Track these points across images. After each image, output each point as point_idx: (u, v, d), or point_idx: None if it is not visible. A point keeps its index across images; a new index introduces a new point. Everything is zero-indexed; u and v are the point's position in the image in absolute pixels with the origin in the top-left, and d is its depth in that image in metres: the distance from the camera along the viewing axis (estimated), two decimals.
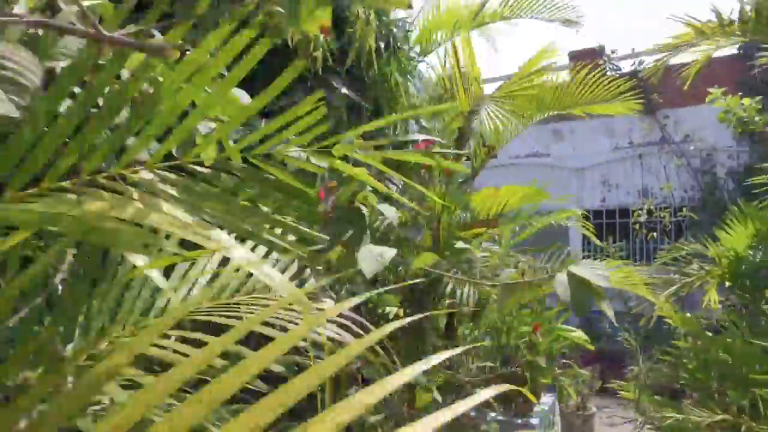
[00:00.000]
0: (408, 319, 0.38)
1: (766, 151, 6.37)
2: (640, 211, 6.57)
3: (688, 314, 2.66)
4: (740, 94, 7.42)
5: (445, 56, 2.87)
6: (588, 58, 8.65)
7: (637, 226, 5.84)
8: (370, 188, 1.43)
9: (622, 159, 7.61)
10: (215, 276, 0.99)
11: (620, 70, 7.73)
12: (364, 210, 1.44)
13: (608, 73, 7.88)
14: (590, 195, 7.85)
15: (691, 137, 7.04)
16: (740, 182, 6.45)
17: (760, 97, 6.88)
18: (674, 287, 2.67)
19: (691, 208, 6.97)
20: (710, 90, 7.32)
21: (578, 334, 3.20)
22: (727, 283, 2.63)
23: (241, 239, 0.67)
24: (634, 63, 7.59)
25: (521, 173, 8.51)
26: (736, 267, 2.47)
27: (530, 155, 8.48)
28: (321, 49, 1.93)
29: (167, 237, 0.78)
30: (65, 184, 0.57)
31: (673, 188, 6.76)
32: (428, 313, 1.98)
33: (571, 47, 10.18)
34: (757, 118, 4.03)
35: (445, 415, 0.26)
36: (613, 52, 7.93)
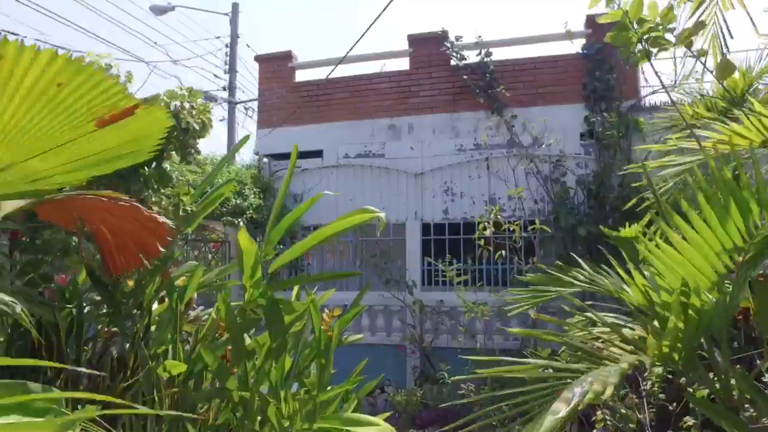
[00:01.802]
0: None
1: (612, 159, 6.48)
2: (486, 223, 6.13)
3: None
4: (585, 94, 7.71)
5: None
6: (430, 44, 8.26)
7: (482, 242, 5.29)
8: None
9: (467, 162, 7.18)
10: None
11: (465, 60, 7.37)
12: None
13: (452, 63, 7.49)
14: (431, 205, 7.25)
15: (541, 140, 6.90)
16: (591, 193, 6.43)
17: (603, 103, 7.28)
18: None
19: (542, 221, 6.81)
20: (560, 89, 7.39)
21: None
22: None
23: None
24: (480, 53, 7.28)
25: (351, 177, 7.56)
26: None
27: (363, 155, 7.58)
28: None
29: None
30: None
31: (523, 198, 6.48)
32: None
33: (412, 29, 9.64)
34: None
35: None
36: (458, 38, 7.54)
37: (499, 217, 5.52)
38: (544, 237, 6.45)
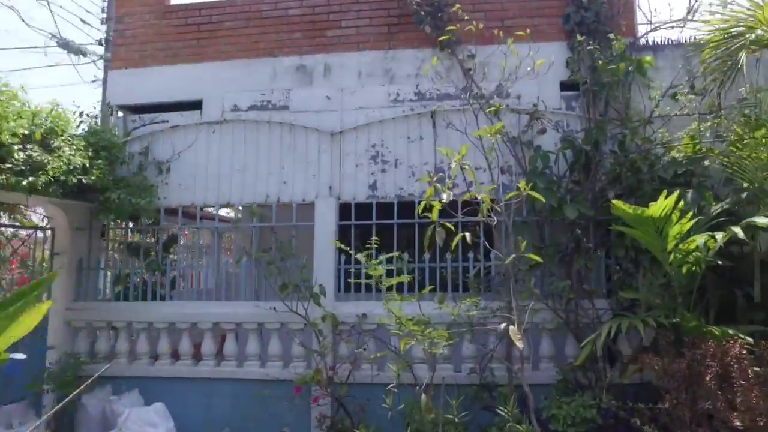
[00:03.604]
0: None
1: (604, 115, 4.84)
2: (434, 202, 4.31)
3: None
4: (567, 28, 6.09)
5: None
6: None
7: (429, 232, 3.46)
8: None
9: (405, 118, 5.37)
10: None
11: None
12: None
13: None
14: (353, 176, 5.37)
15: (507, 90, 5.19)
16: (579, 161, 4.75)
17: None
18: None
19: (510, 200, 5.10)
20: (534, 21, 5.72)
21: None
22: None
23: None
24: None
25: (241, 137, 5.55)
26: None
27: (259, 106, 5.60)
28: None
29: None
30: None
31: (489, 166, 4.73)
32: None
33: None
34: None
35: None
36: None
37: (451, 194, 3.69)
38: (514, 223, 4.72)
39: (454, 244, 3.45)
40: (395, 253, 4.02)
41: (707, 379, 2.91)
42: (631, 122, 4.62)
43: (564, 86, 5.37)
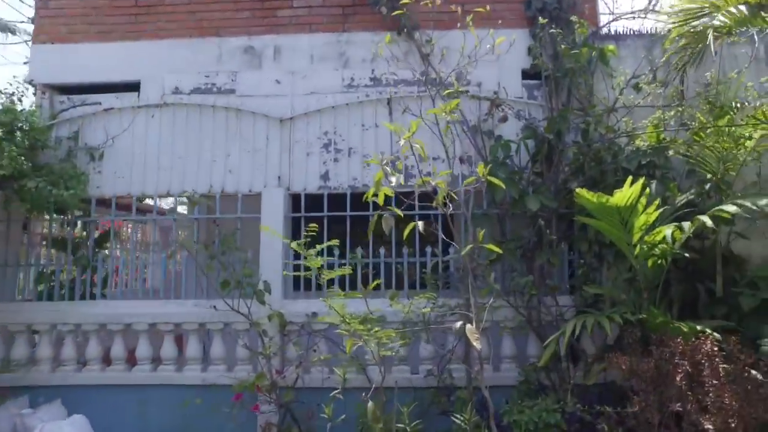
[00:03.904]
0: None
1: (568, 103, 4.64)
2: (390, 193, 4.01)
3: None
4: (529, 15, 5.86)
5: None
6: None
7: (386, 227, 3.13)
8: None
9: (359, 104, 5.04)
10: None
11: None
12: None
13: None
14: (303, 166, 5.01)
15: (466, 77, 4.94)
16: (541, 151, 4.52)
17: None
18: None
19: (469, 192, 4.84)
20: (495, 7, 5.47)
21: None
22: None
23: None
24: None
25: (183, 122, 5.11)
26: None
27: (203, 90, 5.17)
28: None
29: None
30: None
31: (448, 156, 4.45)
32: None
33: None
34: None
35: None
36: None
37: (401, 177, 3.38)
38: (473, 215, 4.47)
39: (406, 234, 3.15)
40: (333, 242, 3.67)
41: (677, 378, 2.71)
42: (594, 111, 4.43)
43: (526, 75, 5.14)
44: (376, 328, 3.19)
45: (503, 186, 3.36)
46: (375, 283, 3.33)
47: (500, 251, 3.21)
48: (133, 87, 5.27)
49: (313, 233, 3.72)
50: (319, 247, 3.48)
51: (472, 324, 3.05)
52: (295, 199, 5.04)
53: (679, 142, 3.84)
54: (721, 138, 3.55)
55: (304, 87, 5.16)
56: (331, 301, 3.31)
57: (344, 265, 4.20)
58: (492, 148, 4.62)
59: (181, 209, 8.33)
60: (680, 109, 3.95)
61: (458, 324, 3.05)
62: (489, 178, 3.19)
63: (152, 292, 5.50)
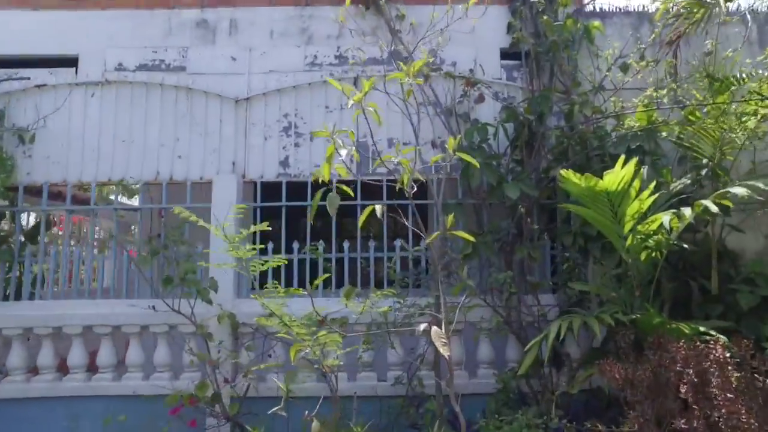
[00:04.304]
0: None
1: (550, 83, 4.21)
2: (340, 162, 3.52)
3: None
4: None
5: None
6: None
7: (331, 209, 2.66)
8: None
9: (323, 84, 4.55)
10: None
11: None
12: None
13: None
14: (261, 151, 4.50)
15: (439, 56, 4.50)
16: (521, 135, 4.08)
17: None
18: None
19: (445, 182, 4.39)
20: None
21: None
22: None
23: None
24: None
25: (127, 101, 4.55)
26: None
27: (149, 66, 4.62)
28: None
29: None
30: None
31: (417, 139, 4.00)
32: None
33: None
34: None
35: None
36: None
37: (351, 149, 2.92)
38: (446, 205, 4.02)
39: (362, 220, 2.68)
40: (263, 225, 3.14)
41: (682, 390, 2.29)
42: (579, 89, 4.01)
43: (505, 56, 4.73)
44: (322, 332, 2.71)
45: (476, 164, 2.90)
46: (322, 278, 2.84)
47: (472, 239, 2.75)
48: (71, 62, 4.67)
49: (268, 228, 3.23)
50: (245, 233, 2.97)
51: (441, 325, 2.59)
52: (249, 187, 4.53)
53: (673, 122, 3.44)
54: (721, 117, 3.17)
55: (263, 65, 4.63)
56: (266, 299, 2.82)
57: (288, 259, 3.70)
58: (467, 131, 4.16)
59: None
60: (674, 85, 3.55)
61: (422, 326, 2.58)
62: (460, 154, 2.74)
63: (88, 293, 4.90)
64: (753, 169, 4.03)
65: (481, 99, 4.23)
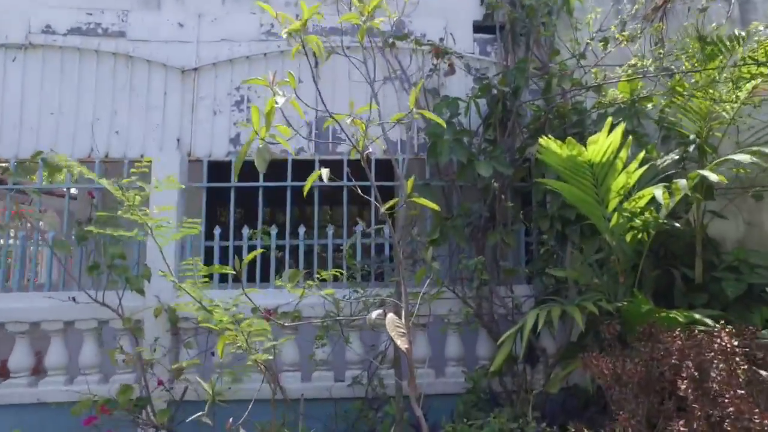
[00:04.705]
0: None
1: (528, 54, 3.86)
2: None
3: None
4: None
5: None
6: None
7: (260, 163, 2.25)
8: None
9: (280, 54, 4.12)
10: None
11: None
12: None
13: None
14: (209, 127, 4.04)
15: (408, 28, 4.12)
16: (495, 112, 3.71)
17: None
18: None
19: (411, 162, 4.00)
20: None
21: None
22: None
23: None
24: None
25: (56, 69, 4.03)
26: None
27: (83, 30, 4.10)
28: None
29: None
30: None
31: (380, 114, 3.59)
32: None
33: None
34: None
35: None
36: None
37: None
38: (416, 186, 3.63)
39: (306, 188, 2.27)
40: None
41: (681, 385, 1.94)
42: (558, 59, 3.67)
43: (478, 29, 4.37)
44: (247, 320, 2.28)
45: (442, 123, 2.52)
46: (250, 257, 2.37)
47: (437, 207, 2.36)
48: None
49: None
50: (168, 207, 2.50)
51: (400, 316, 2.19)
52: (195, 166, 4.05)
53: (659, 93, 3.12)
54: (711, 86, 2.86)
55: (214, 33, 4.16)
56: (188, 285, 2.38)
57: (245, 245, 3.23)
58: (436, 106, 3.77)
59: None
60: (661, 51, 3.23)
61: (374, 314, 2.16)
62: (423, 112, 2.35)
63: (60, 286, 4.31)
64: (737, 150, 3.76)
65: (451, 71, 3.85)
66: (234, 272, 2.19)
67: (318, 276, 2.58)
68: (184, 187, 3.58)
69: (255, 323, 2.26)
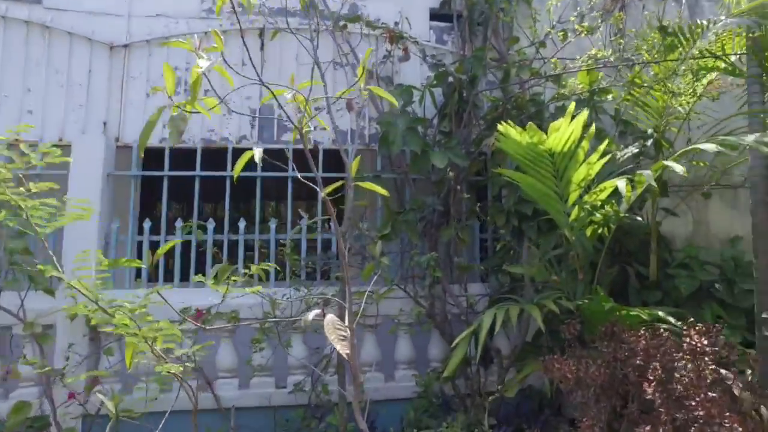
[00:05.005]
0: None
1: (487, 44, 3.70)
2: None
3: None
4: None
5: None
6: None
7: (175, 133, 1.97)
8: None
9: (222, 34, 3.78)
10: None
11: None
12: None
13: None
14: (140, 110, 3.67)
15: (361, 12, 3.89)
16: (450, 101, 3.51)
17: None
18: None
19: (360, 150, 3.75)
20: None
21: None
22: None
23: None
24: None
25: None
26: None
27: None
28: None
29: None
30: None
31: (329, 104, 3.34)
32: None
33: None
34: None
35: None
36: None
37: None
38: (362, 179, 3.39)
39: (237, 170, 1.99)
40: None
41: (647, 388, 1.79)
42: (516, 47, 3.52)
43: (435, 17, 4.20)
44: (155, 325, 1.99)
45: (391, 98, 2.30)
46: (165, 247, 2.07)
47: (385, 193, 2.13)
48: None
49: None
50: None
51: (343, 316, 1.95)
52: (122, 153, 3.67)
53: (619, 85, 3.02)
54: (669, 79, 2.78)
55: (148, 7, 3.79)
56: (76, 281, 2.06)
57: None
58: (390, 94, 3.57)
59: None
60: (622, 41, 3.14)
61: (311, 314, 1.91)
62: (373, 88, 2.12)
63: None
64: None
65: (406, 56, 3.64)
66: (144, 267, 1.88)
67: (245, 272, 2.29)
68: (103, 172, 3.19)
69: (164, 328, 1.96)
